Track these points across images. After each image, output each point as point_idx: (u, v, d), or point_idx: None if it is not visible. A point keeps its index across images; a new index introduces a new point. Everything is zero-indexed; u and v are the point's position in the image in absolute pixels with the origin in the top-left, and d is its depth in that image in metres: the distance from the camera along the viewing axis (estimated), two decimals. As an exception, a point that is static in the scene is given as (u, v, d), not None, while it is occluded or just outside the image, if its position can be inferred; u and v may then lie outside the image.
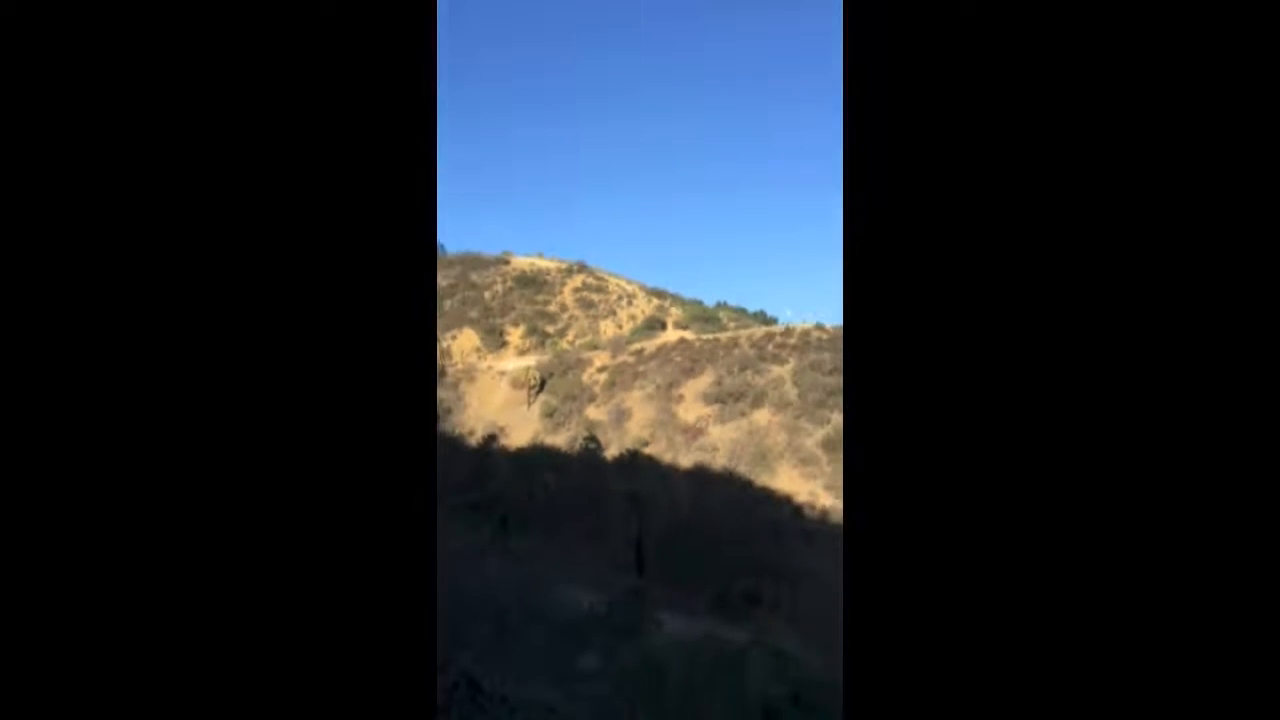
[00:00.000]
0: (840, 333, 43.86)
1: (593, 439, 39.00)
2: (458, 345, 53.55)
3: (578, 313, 60.52)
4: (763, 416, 40.15)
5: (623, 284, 66.65)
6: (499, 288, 62.24)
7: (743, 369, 44.08)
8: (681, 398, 42.78)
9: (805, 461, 36.27)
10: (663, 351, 48.40)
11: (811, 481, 34.88)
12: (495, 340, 55.51)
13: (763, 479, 35.58)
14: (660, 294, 67.14)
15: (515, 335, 56.74)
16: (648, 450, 38.37)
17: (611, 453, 38.11)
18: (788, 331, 48.71)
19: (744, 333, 51.21)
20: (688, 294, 69.83)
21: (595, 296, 62.77)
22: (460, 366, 50.21)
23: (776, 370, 43.48)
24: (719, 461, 37.14)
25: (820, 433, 37.06)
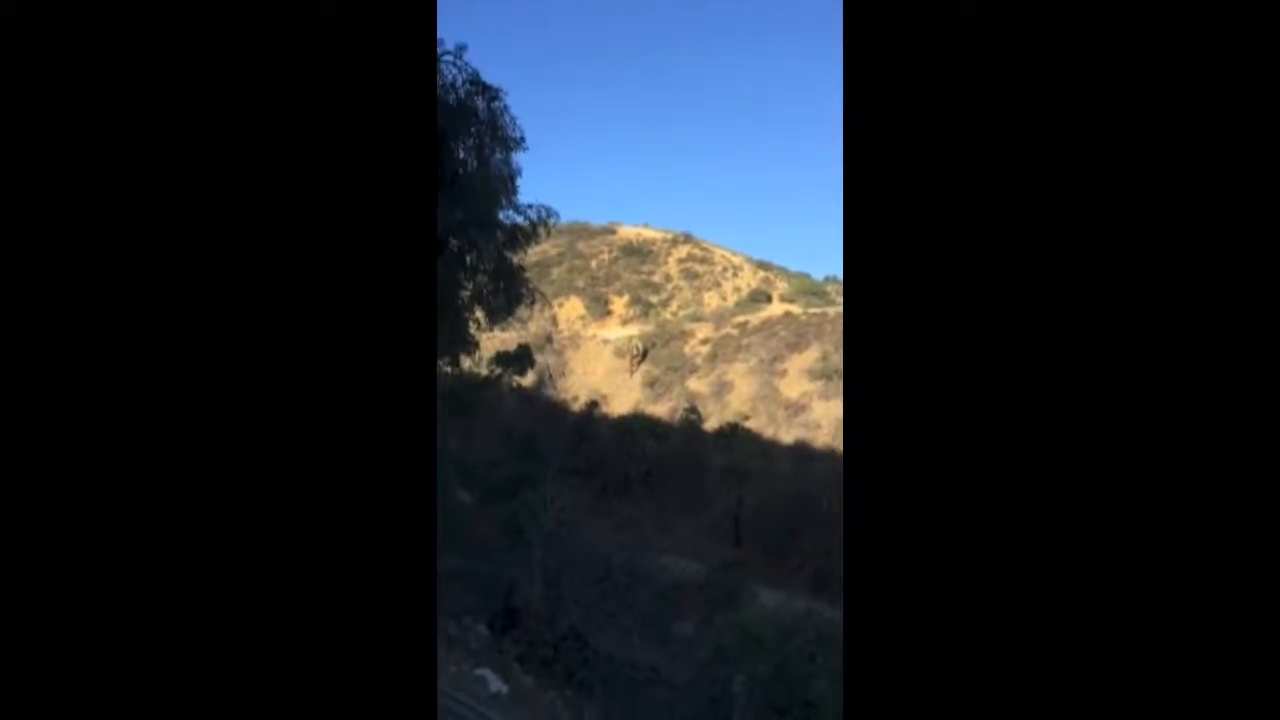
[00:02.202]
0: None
1: (693, 410, 39.10)
2: (563, 313, 54.75)
3: (682, 283, 60.44)
4: (869, 395, 38.98)
5: (728, 255, 65.93)
6: (605, 257, 62.94)
7: (849, 345, 42.90)
8: (785, 372, 42.15)
9: (912, 443, 35.05)
10: (767, 325, 47.71)
11: (918, 464, 33.72)
12: (600, 309, 56.35)
13: (866, 459, 34.64)
14: (766, 266, 65.95)
15: (619, 305, 57.38)
16: (748, 424, 38.14)
17: (711, 425, 38.11)
18: (899, 308, 46.78)
19: (852, 308, 49.60)
20: (795, 267, 68.22)
21: (700, 268, 62.45)
22: (565, 334, 51.41)
23: (885, 348, 42.00)
24: (822, 439, 36.46)
25: (930, 414, 35.68)
